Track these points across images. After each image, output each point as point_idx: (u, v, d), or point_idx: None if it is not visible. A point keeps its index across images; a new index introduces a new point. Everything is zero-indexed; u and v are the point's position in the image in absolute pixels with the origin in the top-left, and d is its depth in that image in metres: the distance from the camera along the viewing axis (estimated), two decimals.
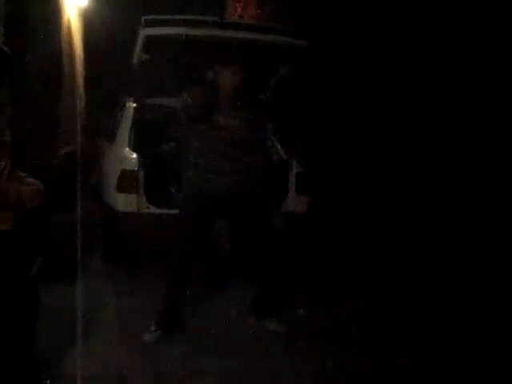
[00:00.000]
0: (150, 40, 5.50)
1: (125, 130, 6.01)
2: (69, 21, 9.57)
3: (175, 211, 5.69)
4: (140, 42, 5.68)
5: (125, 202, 5.61)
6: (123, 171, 5.66)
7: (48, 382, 3.51)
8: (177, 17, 5.65)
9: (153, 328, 4.52)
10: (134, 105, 6.11)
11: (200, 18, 5.72)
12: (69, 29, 9.50)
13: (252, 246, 4.76)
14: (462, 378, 3.96)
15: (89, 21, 10.03)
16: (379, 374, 4.06)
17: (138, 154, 5.69)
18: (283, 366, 4.13)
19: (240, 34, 5.35)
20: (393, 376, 4.03)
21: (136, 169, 5.61)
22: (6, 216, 2.87)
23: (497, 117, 6.15)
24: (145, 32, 5.59)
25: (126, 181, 5.63)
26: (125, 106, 6.34)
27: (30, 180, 3.05)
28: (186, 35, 5.30)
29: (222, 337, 4.53)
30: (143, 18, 5.47)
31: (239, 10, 12.31)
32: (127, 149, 5.81)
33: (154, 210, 5.64)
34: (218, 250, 5.60)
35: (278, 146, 6.33)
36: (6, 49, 3.10)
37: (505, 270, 5.38)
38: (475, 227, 6.01)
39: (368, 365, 4.15)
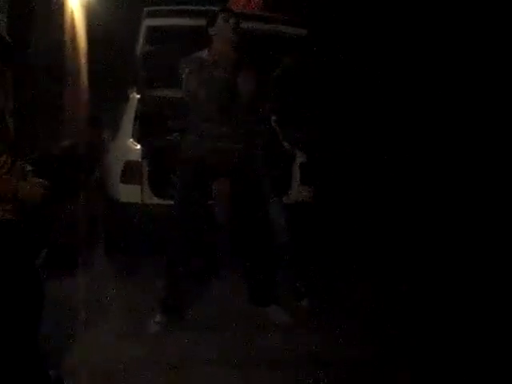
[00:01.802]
0: (152, 31, 5.50)
1: (128, 122, 6.01)
2: (72, 12, 9.56)
3: None
4: (142, 32, 5.69)
5: (128, 194, 5.62)
6: (127, 162, 5.67)
7: (54, 371, 3.53)
8: (179, 7, 5.64)
9: (157, 319, 4.52)
10: (138, 96, 6.10)
11: (202, 8, 5.70)
12: (72, 19, 9.50)
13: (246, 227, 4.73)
14: (462, 373, 3.96)
15: (92, 12, 10.01)
16: (379, 363, 4.06)
17: (141, 145, 5.69)
18: (283, 353, 4.14)
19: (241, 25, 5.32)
20: (392, 366, 4.03)
21: (140, 160, 5.62)
22: (6, 208, 2.87)
23: (497, 117, 6.15)
24: (147, 23, 5.60)
25: (130, 172, 5.63)
26: (128, 97, 6.34)
27: (34, 179, 3.04)
28: (188, 26, 5.29)
29: (221, 325, 4.56)
30: (145, 9, 5.47)
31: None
32: (131, 140, 5.81)
33: (157, 201, 5.64)
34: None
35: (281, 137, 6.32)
36: (7, 37, 3.09)
37: (504, 266, 5.38)
38: (474, 218, 6.01)
39: (368, 354, 4.15)
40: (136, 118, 5.93)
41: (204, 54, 4.52)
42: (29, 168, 3.08)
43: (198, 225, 4.57)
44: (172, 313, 4.57)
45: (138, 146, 5.68)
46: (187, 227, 4.50)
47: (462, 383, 3.80)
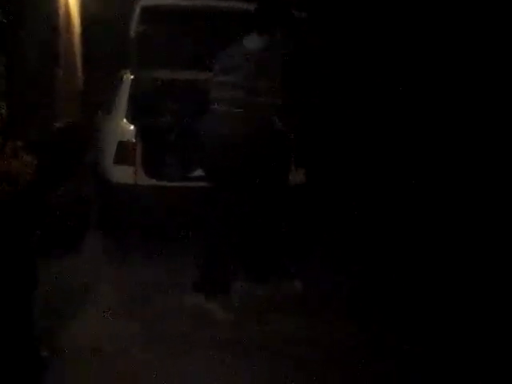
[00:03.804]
0: (146, 11, 5.47)
1: (122, 102, 5.97)
2: None
3: (173, 184, 5.73)
4: (136, 12, 5.66)
5: (122, 174, 5.60)
6: (120, 143, 5.65)
7: (45, 353, 3.53)
8: None
9: (193, 291, 4.57)
10: (132, 77, 6.07)
11: None
12: (67, 1, 9.43)
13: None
14: (452, 356, 3.98)
15: None
16: (370, 346, 4.08)
17: (135, 125, 5.67)
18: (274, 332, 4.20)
19: (237, 5, 5.30)
20: (383, 349, 4.05)
21: (133, 140, 5.59)
22: None
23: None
24: (141, 3, 5.57)
25: (123, 152, 5.61)
26: (122, 78, 6.31)
27: (24, 156, 3.03)
28: (183, 6, 5.26)
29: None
30: None
31: None
32: (124, 120, 5.79)
33: (151, 181, 5.63)
34: None
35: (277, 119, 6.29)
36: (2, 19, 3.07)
37: (504, 264, 5.39)
38: (474, 212, 6.04)
39: (359, 338, 4.18)
40: (130, 98, 5.89)
41: None
42: (20, 144, 3.07)
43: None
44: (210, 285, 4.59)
45: (132, 127, 5.65)
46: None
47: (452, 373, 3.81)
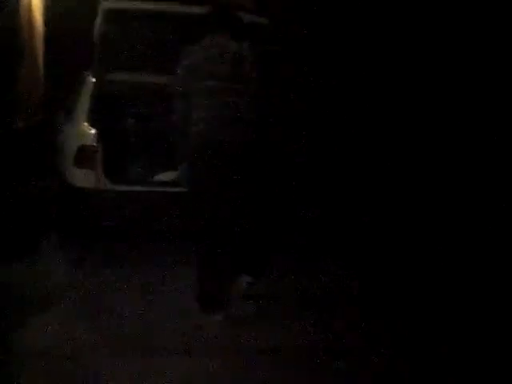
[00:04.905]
0: (108, 13, 5.43)
1: (84, 105, 5.90)
2: None
3: (135, 188, 5.69)
4: (100, 15, 5.62)
5: (83, 178, 5.54)
6: (81, 146, 5.59)
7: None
8: None
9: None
10: (93, 79, 6.00)
11: None
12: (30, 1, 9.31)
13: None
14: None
15: None
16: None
17: (96, 129, 5.61)
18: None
19: (200, 10, 5.28)
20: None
21: (95, 144, 5.54)
22: None
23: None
24: (104, 5, 5.54)
25: (85, 156, 5.55)
26: (84, 80, 6.23)
27: None
28: (146, 9, 5.24)
29: None
30: None
31: None
32: (86, 124, 5.72)
33: (112, 186, 5.58)
34: None
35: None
36: None
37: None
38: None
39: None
40: (91, 101, 5.83)
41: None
42: None
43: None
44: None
45: (93, 131, 5.59)
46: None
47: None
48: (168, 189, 5.53)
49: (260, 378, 3.66)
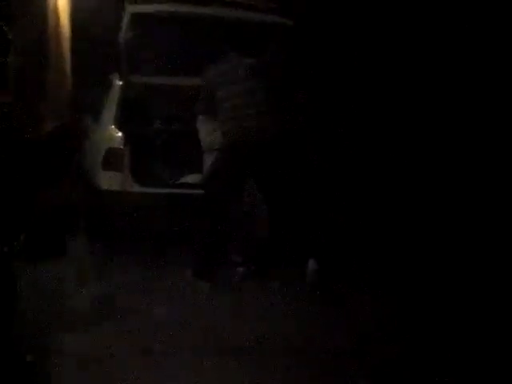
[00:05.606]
0: (135, 17, 5.47)
1: (111, 108, 5.97)
2: None
3: (161, 190, 5.73)
4: (126, 19, 5.67)
5: (110, 181, 5.58)
6: (109, 149, 5.64)
7: (29, 356, 3.52)
8: None
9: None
10: (120, 83, 6.06)
11: None
12: (56, 3, 9.39)
13: None
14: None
15: None
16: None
17: (124, 132, 5.66)
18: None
19: (224, 12, 5.32)
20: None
21: (122, 147, 5.58)
22: None
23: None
24: (130, 9, 5.59)
25: (112, 159, 5.60)
26: (111, 83, 6.29)
27: None
28: (171, 12, 5.28)
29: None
30: None
31: None
32: (113, 127, 5.77)
33: (139, 189, 5.62)
34: None
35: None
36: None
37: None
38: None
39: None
40: (118, 104, 5.88)
41: None
42: None
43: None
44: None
45: (120, 133, 5.64)
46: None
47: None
48: (195, 191, 5.56)
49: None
